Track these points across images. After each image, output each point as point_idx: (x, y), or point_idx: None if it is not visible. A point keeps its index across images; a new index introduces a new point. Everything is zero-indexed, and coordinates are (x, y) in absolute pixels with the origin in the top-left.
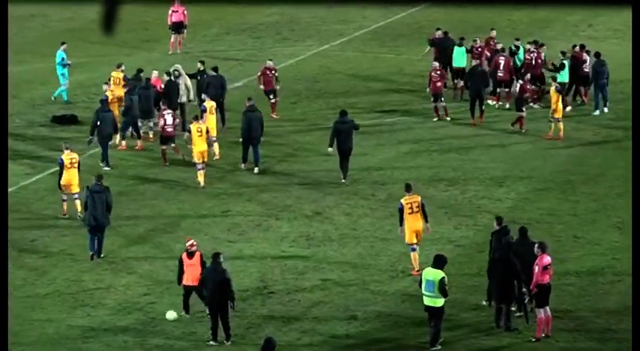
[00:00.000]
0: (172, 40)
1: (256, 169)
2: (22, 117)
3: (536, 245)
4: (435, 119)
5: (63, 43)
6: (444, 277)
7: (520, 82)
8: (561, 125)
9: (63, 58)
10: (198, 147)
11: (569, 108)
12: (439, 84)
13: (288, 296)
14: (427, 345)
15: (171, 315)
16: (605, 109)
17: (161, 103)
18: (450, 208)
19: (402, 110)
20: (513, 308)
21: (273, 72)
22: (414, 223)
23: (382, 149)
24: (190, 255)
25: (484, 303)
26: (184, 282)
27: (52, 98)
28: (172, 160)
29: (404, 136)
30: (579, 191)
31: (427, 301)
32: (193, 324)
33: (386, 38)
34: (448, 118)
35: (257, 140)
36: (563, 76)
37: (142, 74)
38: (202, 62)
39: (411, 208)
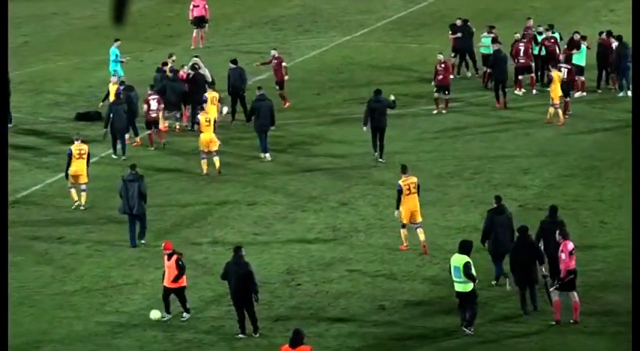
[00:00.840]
0: (194, 34)
1: (267, 157)
2: (47, 115)
3: (557, 232)
4: (435, 111)
5: (117, 40)
6: (467, 262)
7: (567, 66)
8: (560, 111)
9: (117, 55)
10: (205, 136)
11: (578, 94)
12: (440, 77)
13: (316, 288)
14: (462, 328)
15: (154, 314)
16: (629, 92)
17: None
18: (476, 196)
19: (426, 100)
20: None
21: (277, 61)
22: (411, 204)
23: (406, 139)
24: (169, 256)
25: (508, 287)
26: (163, 282)
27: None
28: (196, 157)
29: (428, 126)
30: (604, 176)
31: (457, 287)
32: (223, 318)
33: (408, 28)
34: (445, 111)
35: (266, 129)
36: (580, 59)
37: (166, 67)
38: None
39: (409, 189)
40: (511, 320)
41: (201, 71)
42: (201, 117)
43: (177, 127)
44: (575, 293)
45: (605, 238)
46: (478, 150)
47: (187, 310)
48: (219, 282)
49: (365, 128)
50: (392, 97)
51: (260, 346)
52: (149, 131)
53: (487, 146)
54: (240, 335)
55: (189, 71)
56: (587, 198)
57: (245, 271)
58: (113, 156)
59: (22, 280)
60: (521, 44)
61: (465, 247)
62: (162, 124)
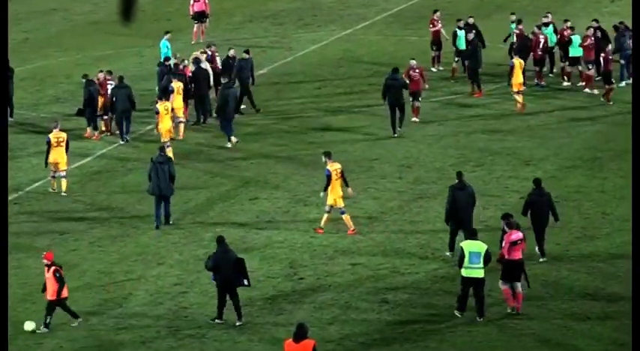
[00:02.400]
0: (195, 29)
1: (229, 144)
2: (48, 111)
3: (504, 222)
4: (413, 118)
5: (167, 33)
6: (488, 248)
7: (602, 55)
8: (520, 98)
9: (168, 48)
10: (165, 125)
11: (566, 83)
12: (413, 84)
13: (318, 281)
14: (476, 317)
15: (28, 326)
16: (629, 81)
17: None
18: (478, 188)
19: (427, 93)
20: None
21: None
22: (337, 189)
23: (408, 132)
24: (47, 268)
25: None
26: (46, 295)
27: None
28: (198, 151)
29: (429, 118)
30: (607, 168)
31: (473, 273)
32: (225, 313)
33: (408, 21)
34: (416, 119)
35: (232, 116)
36: (576, 51)
37: (168, 62)
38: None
39: (337, 174)
40: (513, 312)
41: (202, 65)
42: (160, 106)
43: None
44: (519, 284)
45: (607, 229)
46: (480, 142)
47: (76, 316)
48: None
49: (383, 103)
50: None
51: (263, 339)
52: (105, 116)
53: (488, 138)
54: (218, 320)
55: (194, 65)
56: (590, 189)
57: (235, 258)
58: (121, 142)
59: (25, 276)
60: (542, 37)
61: (476, 233)
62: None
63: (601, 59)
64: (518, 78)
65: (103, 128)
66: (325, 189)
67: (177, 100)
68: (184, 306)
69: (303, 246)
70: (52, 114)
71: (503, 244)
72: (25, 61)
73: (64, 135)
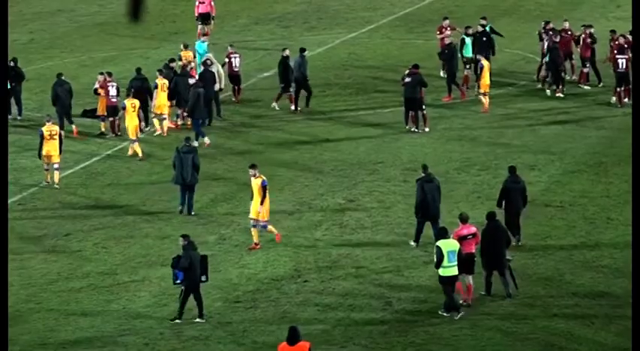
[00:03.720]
0: (199, 30)
1: (195, 143)
2: (53, 112)
3: (459, 216)
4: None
5: (204, 35)
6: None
7: (625, 57)
8: (486, 99)
9: (205, 51)
10: (132, 121)
11: (587, 87)
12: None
13: (322, 285)
14: (444, 313)
15: None
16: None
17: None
18: (483, 192)
19: (432, 96)
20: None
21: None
22: (256, 201)
23: (413, 136)
24: None
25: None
26: None
27: None
28: (202, 154)
29: (434, 122)
30: (612, 172)
31: (451, 272)
32: (229, 315)
33: (414, 24)
34: (427, 129)
35: (203, 116)
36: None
37: (173, 64)
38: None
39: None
40: (517, 316)
41: (212, 68)
42: (127, 102)
43: (189, 122)
44: (470, 277)
45: (612, 234)
46: (484, 146)
47: None
48: (225, 279)
49: (291, 90)
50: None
51: (267, 343)
52: (111, 118)
53: (493, 142)
54: (178, 320)
55: (202, 67)
56: (594, 194)
57: (201, 256)
58: (195, 143)
59: (29, 277)
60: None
61: (447, 233)
62: (171, 121)
63: (620, 62)
64: (486, 79)
65: (103, 129)
66: (262, 202)
67: (160, 97)
68: (188, 308)
69: (308, 249)
70: (57, 115)
71: (453, 237)
72: (30, 61)
73: (56, 128)
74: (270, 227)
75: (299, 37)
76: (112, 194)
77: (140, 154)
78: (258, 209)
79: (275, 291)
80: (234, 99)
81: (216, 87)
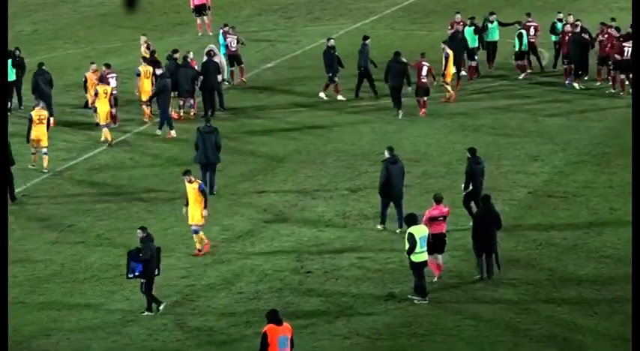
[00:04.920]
0: (199, 22)
1: (158, 132)
2: (56, 102)
3: (433, 196)
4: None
5: (225, 25)
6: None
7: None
8: (450, 88)
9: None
10: (103, 107)
11: (522, 75)
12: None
13: (326, 275)
14: (415, 297)
15: None
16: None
17: (197, 82)
18: (485, 183)
19: (434, 88)
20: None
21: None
22: (193, 207)
23: (416, 126)
24: None
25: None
26: None
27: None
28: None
29: (437, 113)
30: (615, 163)
31: (422, 257)
32: (232, 305)
33: (417, 15)
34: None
35: (166, 106)
36: (523, 45)
37: (176, 55)
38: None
39: (196, 192)
40: (519, 307)
41: (215, 59)
42: (99, 88)
43: (193, 113)
44: (440, 256)
45: (615, 225)
46: (487, 137)
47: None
48: (228, 270)
49: (336, 79)
50: (409, 89)
51: None
52: (112, 110)
53: (496, 133)
54: (149, 312)
55: (205, 57)
56: (597, 185)
57: (156, 248)
58: (157, 132)
59: (32, 268)
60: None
61: (416, 218)
62: (174, 112)
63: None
64: (450, 69)
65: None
66: (205, 206)
67: (145, 84)
68: (192, 298)
69: (311, 240)
70: (60, 106)
71: (424, 219)
72: (33, 52)
73: (45, 113)
74: (201, 234)
75: (302, 28)
76: (115, 185)
77: (109, 139)
78: (198, 214)
79: (278, 282)
80: (239, 80)
81: (219, 78)
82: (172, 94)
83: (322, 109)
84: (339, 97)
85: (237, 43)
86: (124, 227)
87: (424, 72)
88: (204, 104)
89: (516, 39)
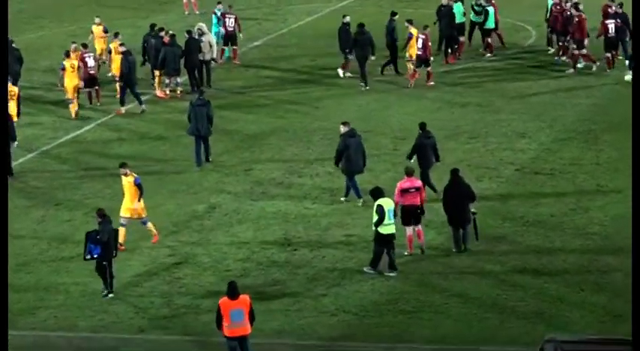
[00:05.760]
0: (185, 0)
1: (123, 109)
2: (42, 82)
3: (405, 169)
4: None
5: (219, 3)
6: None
7: (614, 21)
8: (411, 65)
9: (219, 19)
10: (71, 82)
11: (488, 55)
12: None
13: (312, 253)
14: (390, 272)
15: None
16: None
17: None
18: (472, 160)
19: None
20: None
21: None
22: (128, 200)
23: (403, 103)
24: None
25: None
26: None
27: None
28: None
29: (425, 90)
30: (602, 140)
31: (390, 229)
32: (219, 284)
33: None
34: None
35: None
36: (490, 23)
37: (162, 33)
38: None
39: (131, 185)
40: (506, 284)
41: (204, 37)
42: (66, 63)
43: (179, 91)
44: (420, 226)
45: (601, 202)
46: (474, 114)
47: None
48: (215, 248)
49: (351, 57)
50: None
51: (257, 310)
52: (88, 89)
53: (483, 111)
54: (111, 294)
55: (186, 36)
56: (584, 161)
57: (114, 230)
58: (143, 107)
59: (20, 246)
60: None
61: (382, 191)
62: (161, 91)
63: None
64: (414, 48)
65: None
66: (139, 199)
67: (116, 61)
68: (178, 277)
69: (297, 217)
70: (46, 85)
71: (395, 192)
72: (20, 31)
73: (15, 89)
74: (149, 224)
75: (288, 7)
76: (101, 164)
77: (74, 115)
78: (132, 207)
79: (265, 260)
80: (232, 60)
81: (207, 56)
82: (160, 72)
83: (309, 87)
84: (346, 74)
85: (235, 22)
86: (111, 206)
87: (419, 44)
88: (190, 81)
89: (482, 16)
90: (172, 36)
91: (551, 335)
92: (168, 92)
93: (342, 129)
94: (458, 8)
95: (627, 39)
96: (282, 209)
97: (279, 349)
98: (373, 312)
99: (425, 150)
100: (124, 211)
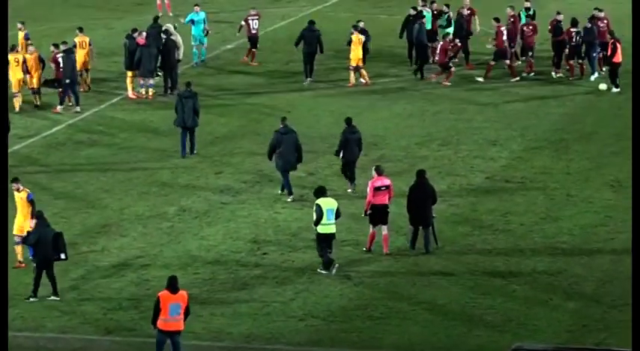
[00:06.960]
0: (159, 2)
1: (59, 108)
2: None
3: (373, 168)
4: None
5: (196, 5)
6: (338, 204)
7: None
8: (353, 74)
9: (192, 19)
10: (16, 75)
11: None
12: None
13: (282, 257)
14: (320, 270)
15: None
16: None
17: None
18: (443, 167)
19: (395, 71)
20: None
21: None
22: (21, 217)
23: (375, 110)
24: None
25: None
26: None
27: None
28: (163, 125)
29: (397, 97)
30: (573, 149)
31: (329, 229)
32: (187, 286)
33: None
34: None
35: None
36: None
37: (136, 34)
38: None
39: (23, 201)
40: (474, 291)
41: (172, 37)
42: (10, 57)
43: (151, 93)
44: (384, 227)
45: (571, 211)
46: (446, 122)
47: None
48: (184, 251)
49: (296, 48)
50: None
51: (225, 314)
52: (60, 89)
53: (455, 118)
54: (33, 299)
55: (163, 36)
56: (555, 171)
57: (55, 233)
58: (59, 108)
59: None
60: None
61: (325, 191)
62: (133, 92)
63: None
64: (356, 53)
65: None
66: (32, 217)
67: (79, 55)
68: (147, 278)
69: (267, 221)
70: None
71: (368, 190)
72: None
73: None
74: (19, 247)
75: (263, 10)
76: (72, 164)
77: (17, 108)
78: (23, 224)
79: (234, 263)
80: (251, 62)
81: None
82: (133, 73)
83: (281, 92)
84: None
85: (257, 24)
86: (81, 206)
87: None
88: (164, 81)
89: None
90: (147, 36)
91: (518, 344)
92: (143, 93)
93: (280, 125)
94: (428, 16)
95: (594, 54)
96: (253, 213)
97: None
98: (341, 317)
99: (350, 144)
100: (16, 229)
